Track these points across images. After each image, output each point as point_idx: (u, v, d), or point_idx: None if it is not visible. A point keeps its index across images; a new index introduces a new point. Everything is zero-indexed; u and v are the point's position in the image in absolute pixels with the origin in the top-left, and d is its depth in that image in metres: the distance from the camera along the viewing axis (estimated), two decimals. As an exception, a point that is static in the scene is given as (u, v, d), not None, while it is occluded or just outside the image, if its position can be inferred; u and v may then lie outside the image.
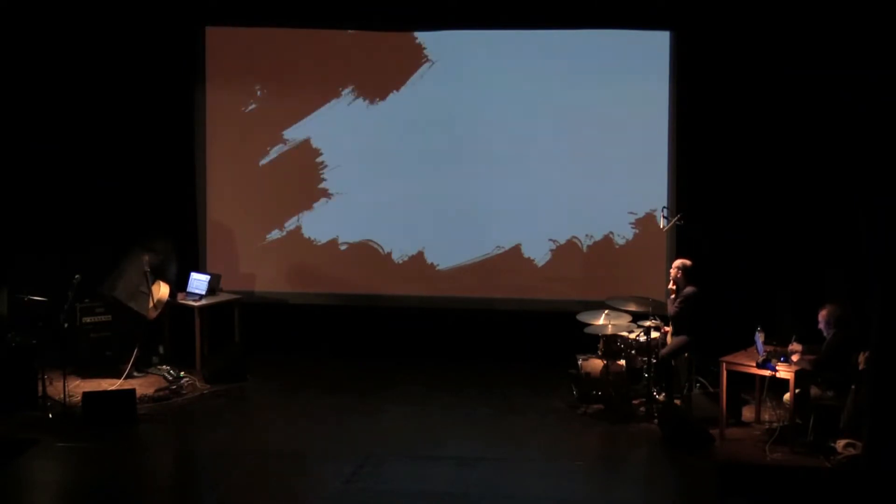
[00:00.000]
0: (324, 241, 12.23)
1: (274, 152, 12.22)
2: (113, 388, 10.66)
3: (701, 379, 10.40)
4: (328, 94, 12.11)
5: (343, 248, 12.20)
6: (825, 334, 9.32)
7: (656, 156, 11.61)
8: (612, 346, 10.43)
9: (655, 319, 10.37)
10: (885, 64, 9.80)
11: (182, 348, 11.47)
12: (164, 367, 11.31)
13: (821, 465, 8.93)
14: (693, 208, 11.03)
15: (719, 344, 9.86)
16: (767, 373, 9.37)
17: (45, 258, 11.55)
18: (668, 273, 10.58)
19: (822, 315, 9.32)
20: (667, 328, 10.42)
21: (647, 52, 11.56)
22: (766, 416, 9.94)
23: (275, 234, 12.30)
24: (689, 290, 10.18)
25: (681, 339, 10.24)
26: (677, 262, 10.36)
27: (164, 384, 10.96)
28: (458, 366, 11.71)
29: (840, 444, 9.02)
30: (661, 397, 10.31)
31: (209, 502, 8.73)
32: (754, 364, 9.39)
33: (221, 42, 12.14)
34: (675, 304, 10.24)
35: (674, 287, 10.31)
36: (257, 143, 12.22)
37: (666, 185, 11.59)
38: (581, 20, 11.51)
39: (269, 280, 12.27)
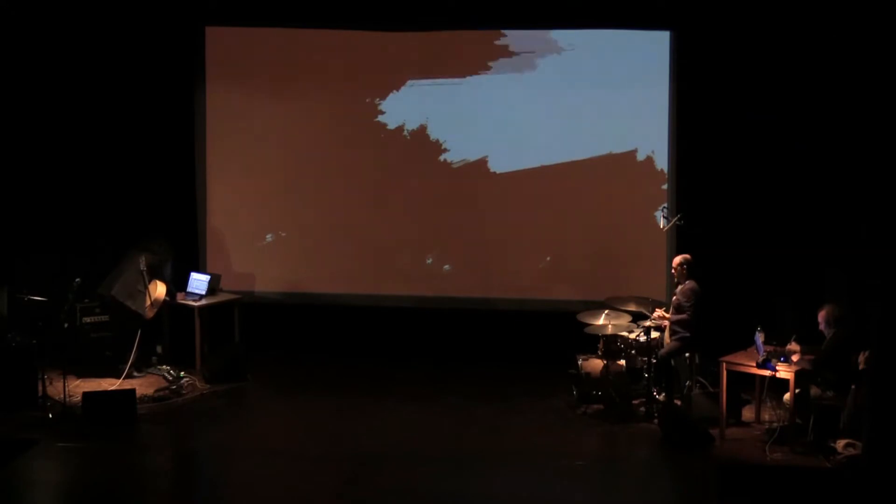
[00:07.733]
0: (324, 240, 12.24)
1: (274, 152, 12.22)
2: (113, 388, 10.66)
3: (701, 379, 10.39)
4: (329, 93, 12.11)
5: (343, 247, 12.20)
6: (825, 334, 9.32)
7: (656, 156, 11.62)
8: (612, 346, 10.43)
9: (661, 308, 10.37)
10: (886, 64, 9.81)
11: (182, 348, 11.47)
12: (164, 367, 11.31)
13: (821, 465, 8.93)
14: (693, 208, 11.03)
15: (719, 344, 9.86)
16: (767, 373, 9.37)
17: (44, 258, 11.56)
18: (669, 273, 10.58)
19: (822, 315, 9.32)
20: (666, 315, 10.34)
21: (647, 52, 11.56)
22: (766, 416, 9.95)
23: (275, 234, 12.30)
24: (690, 283, 10.15)
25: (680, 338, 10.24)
26: (678, 259, 10.30)
27: (164, 384, 10.96)
28: (458, 366, 11.72)
29: (840, 444, 9.01)
30: (661, 397, 10.31)
31: (209, 502, 8.73)
32: (754, 364, 9.39)
33: (221, 42, 12.14)
34: (686, 303, 10.12)
35: (677, 281, 10.29)
36: (257, 143, 12.22)
37: (666, 185, 11.60)
38: (581, 20, 11.51)
39: (269, 280, 12.27)
